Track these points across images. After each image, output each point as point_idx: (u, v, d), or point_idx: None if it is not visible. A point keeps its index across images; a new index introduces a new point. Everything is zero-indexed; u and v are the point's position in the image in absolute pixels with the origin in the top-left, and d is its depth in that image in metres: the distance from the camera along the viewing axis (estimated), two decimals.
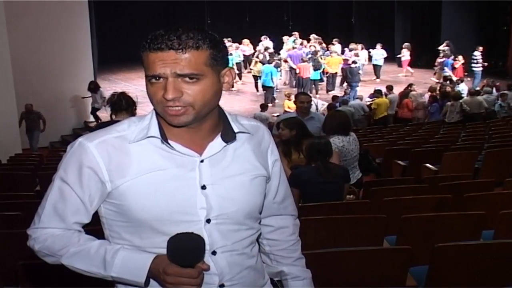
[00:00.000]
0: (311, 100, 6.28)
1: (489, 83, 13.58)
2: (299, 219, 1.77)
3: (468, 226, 3.47)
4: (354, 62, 15.53)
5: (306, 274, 1.69)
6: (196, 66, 1.32)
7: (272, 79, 14.70)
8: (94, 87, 13.02)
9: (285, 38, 18.45)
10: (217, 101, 1.41)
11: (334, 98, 13.19)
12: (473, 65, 15.86)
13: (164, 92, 1.32)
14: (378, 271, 2.81)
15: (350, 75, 15.11)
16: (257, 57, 16.44)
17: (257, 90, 15.99)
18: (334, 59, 16.10)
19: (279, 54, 17.21)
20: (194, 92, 1.33)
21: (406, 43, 17.91)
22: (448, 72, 15.70)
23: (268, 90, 14.78)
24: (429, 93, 13.42)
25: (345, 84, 15.60)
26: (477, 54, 15.77)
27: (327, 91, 15.81)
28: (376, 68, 17.47)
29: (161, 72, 1.32)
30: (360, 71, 16.05)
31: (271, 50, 17.19)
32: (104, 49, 17.18)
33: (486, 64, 15.83)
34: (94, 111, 13.15)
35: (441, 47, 17.36)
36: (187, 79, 1.32)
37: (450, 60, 15.88)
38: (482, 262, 2.81)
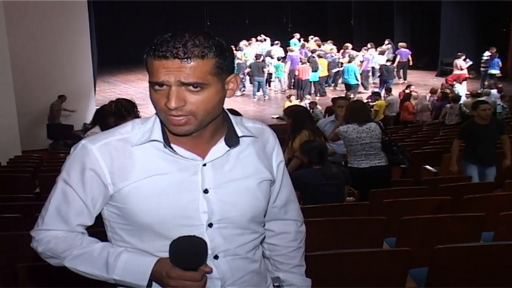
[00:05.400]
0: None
1: (490, 85, 13.55)
2: None
3: (467, 228, 3.47)
4: (388, 60, 16.09)
5: (303, 283, 1.66)
6: (200, 75, 1.30)
7: (355, 77, 15.08)
8: None
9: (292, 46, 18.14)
10: (221, 108, 1.40)
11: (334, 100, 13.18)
12: (482, 66, 15.54)
13: (167, 101, 1.30)
14: (378, 273, 2.81)
15: (386, 73, 15.72)
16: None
17: (256, 92, 16.03)
18: (321, 61, 16.13)
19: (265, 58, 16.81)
20: (197, 101, 1.31)
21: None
22: (495, 71, 15.22)
23: (351, 87, 15.03)
24: (430, 94, 13.41)
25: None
26: (487, 55, 15.52)
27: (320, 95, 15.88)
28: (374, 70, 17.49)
29: (165, 80, 1.30)
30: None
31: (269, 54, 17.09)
32: (103, 51, 17.17)
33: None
34: None
35: (384, 46, 17.53)
36: (190, 87, 1.30)
37: (497, 59, 15.31)
38: (481, 264, 2.81)
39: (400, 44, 17.60)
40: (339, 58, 17.13)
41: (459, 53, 15.93)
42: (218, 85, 1.34)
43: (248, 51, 17.46)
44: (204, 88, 1.31)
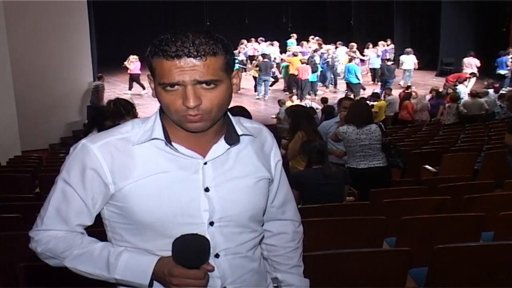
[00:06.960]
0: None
1: (489, 84, 13.57)
2: None
3: (467, 227, 3.47)
4: (388, 59, 15.93)
5: (301, 283, 1.66)
6: (214, 72, 1.30)
7: (356, 76, 14.85)
8: None
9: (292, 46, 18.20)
10: (229, 104, 1.41)
11: (324, 100, 13.21)
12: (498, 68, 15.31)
13: (184, 100, 1.30)
14: (378, 272, 2.81)
15: (387, 72, 15.58)
16: (257, 59, 16.47)
17: (256, 91, 16.01)
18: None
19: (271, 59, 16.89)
20: (212, 99, 1.32)
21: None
22: (504, 71, 15.03)
23: (354, 86, 14.89)
24: (430, 94, 13.42)
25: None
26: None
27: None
28: (375, 71, 17.45)
29: (180, 80, 1.29)
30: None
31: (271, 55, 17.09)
32: (103, 50, 17.17)
33: None
34: None
35: (386, 47, 17.50)
36: (204, 85, 1.31)
37: (505, 58, 15.08)
38: (481, 264, 2.81)
39: (380, 42, 17.75)
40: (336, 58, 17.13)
41: (471, 52, 15.92)
42: (228, 81, 1.36)
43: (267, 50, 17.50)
44: (217, 85, 1.32)
